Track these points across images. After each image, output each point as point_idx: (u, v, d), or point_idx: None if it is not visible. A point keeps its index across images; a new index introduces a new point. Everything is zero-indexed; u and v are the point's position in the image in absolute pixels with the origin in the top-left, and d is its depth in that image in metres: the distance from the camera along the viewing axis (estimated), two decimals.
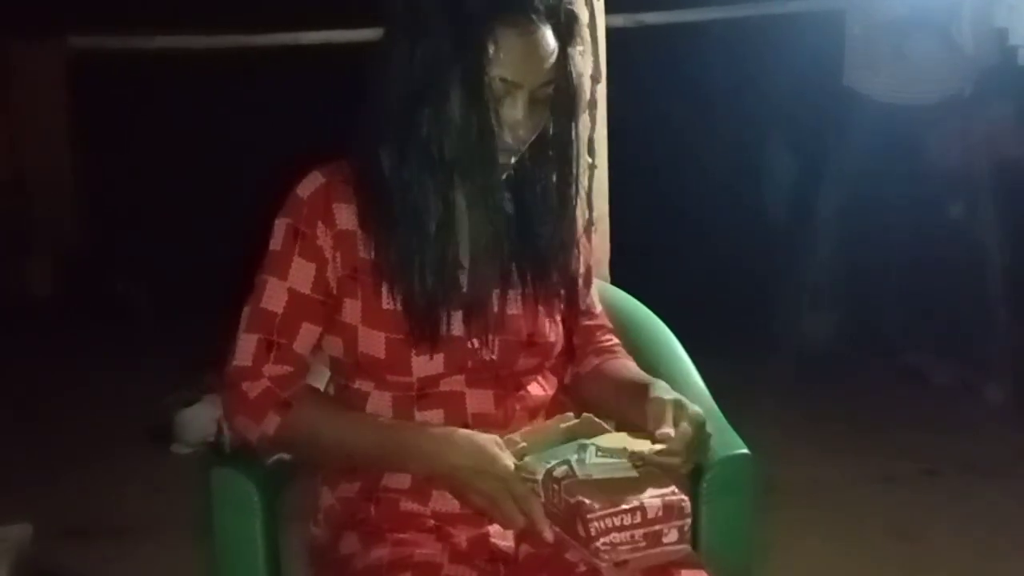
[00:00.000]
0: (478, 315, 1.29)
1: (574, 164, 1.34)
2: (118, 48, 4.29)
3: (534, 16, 1.24)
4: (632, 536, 1.10)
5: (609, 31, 2.03)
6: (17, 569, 2.01)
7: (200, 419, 3.30)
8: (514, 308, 1.33)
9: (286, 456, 1.40)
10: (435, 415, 1.29)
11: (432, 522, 1.28)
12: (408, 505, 1.29)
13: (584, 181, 1.43)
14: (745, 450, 1.40)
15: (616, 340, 1.49)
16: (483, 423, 1.28)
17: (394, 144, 1.27)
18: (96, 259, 4.63)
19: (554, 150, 1.32)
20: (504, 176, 1.31)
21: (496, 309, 1.31)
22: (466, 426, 1.27)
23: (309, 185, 1.31)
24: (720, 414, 1.49)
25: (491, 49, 1.22)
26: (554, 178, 1.33)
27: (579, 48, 1.31)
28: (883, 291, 3.89)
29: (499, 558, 1.26)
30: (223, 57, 4.23)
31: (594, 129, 2.00)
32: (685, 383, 1.56)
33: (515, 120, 1.26)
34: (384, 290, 1.27)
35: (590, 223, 1.49)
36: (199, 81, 4.59)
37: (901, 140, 3.54)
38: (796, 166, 4.68)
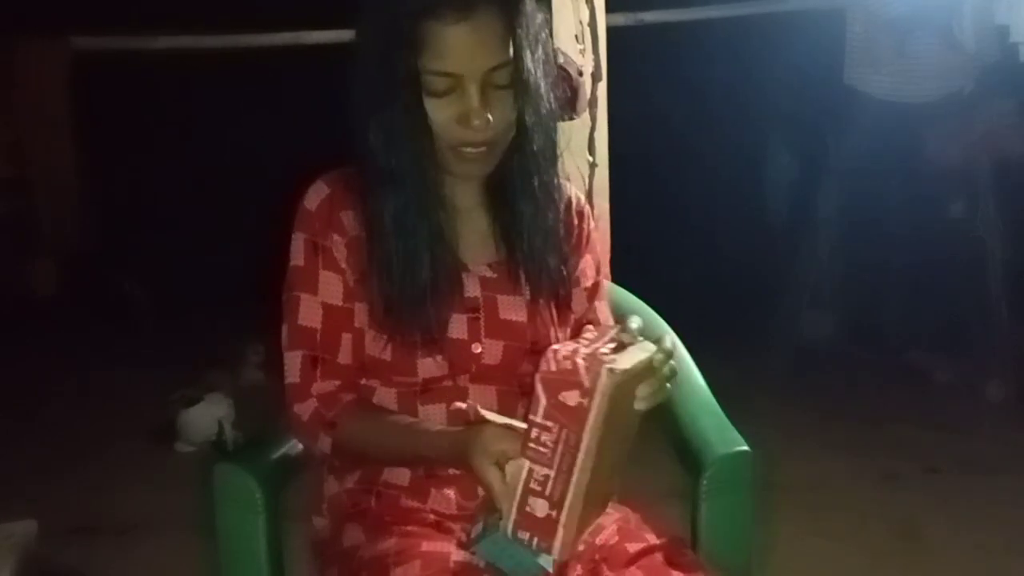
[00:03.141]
0: (482, 319, 1.30)
1: (550, 155, 1.31)
2: (122, 48, 4.29)
3: (461, 4, 1.19)
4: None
5: (609, 30, 2.03)
6: (22, 566, 2.02)
7: (203, 418, 3.32)
8: (519, 315, 1.32)
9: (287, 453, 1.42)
10: (437, 409, 1.29)
11: (432, 517, 1.29)
12: (408, 502, 1.30)
13: (562, 171, 1.37)
14: (745, 447, 1.40)
15: None
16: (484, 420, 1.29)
17: (360, 150, 1.27)
18: (100, 259, 4.64)
19: (532, 139, 1.28)
20: (481, 174, 1.29)
21: (501, 315, 1.31)
22: (467, 422, 1.27)
23: (315, 197, 1.32)
24: (720, 411, 1.50)
25: (423, 44, 1.20)
26: (537, 171, 1.30)
27: (532, 27, 1.25)
28: (884, 289, 3.90)
29: None
30: (227, 57, 4.22)
31: (595, 127, 2.01)
32: (686, 380, 1.57)
33: (469, 110, 1.22)
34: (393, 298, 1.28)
35: (586, 234, 1.42)
36: (203, 81, 4.59)
37: (902, 138, 3.54)
38: (797, 164, 4.68)
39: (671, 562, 1.23)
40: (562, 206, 1.36)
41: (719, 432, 1.44)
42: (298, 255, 1.31)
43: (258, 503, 1.37)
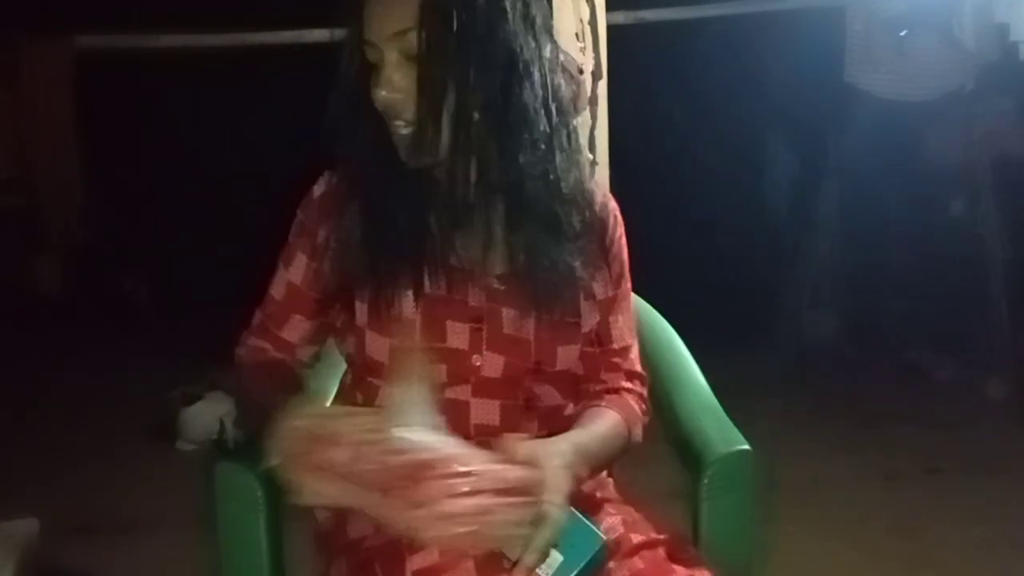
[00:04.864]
0: (484, 330, 1.24)
1: (542, 155, 1.20)
2: (125, 47, 4.30)
3: None
4: None
5: (610, 28, 2.03)
6: (24, 564, 2.02)
7: (204, 416, 3.32)
8: (523, 332, 1.25)
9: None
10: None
11: None
12: None
13: (572, 178, 1.25)
14: (746, 446, 1.40)
15: (629, 385, 1.36)
16: (486, 434, 1.25)
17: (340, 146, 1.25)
18: (102, 257, 4.65)
19: (451, 128, 1.17)
20: (418, 157, 1.19)
21: (504, 329, 1.25)
22: (467, 436, 1.23)
23: (322, 184, 1.32)
24: (721, 411, 1.49)
25: (359, 16, 1.17)
26: (526, 174, 1.20)
27: None
28: (884, 288, 3.90)
29: None
30: (230, 56, 4.23)
31: (595, 125, 2.01)
32: (686, 379, 1.57)
33: (378, 80, 1.16)
34: (397, 298, 1.24)
35: (608, 243, 1.33)
36: (205, 80, 4.59)
37: (902, 136, 3.54)
38: (797, 162, 4.68)
39: (673, 557, 1.23)
40: (578, 218, 1.26)
41: (720, 431, 1.44)
42: (292, 231, 1.33)
43: (259, 501, 1.37)
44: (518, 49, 1.17)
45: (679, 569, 1.21)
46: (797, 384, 3.62)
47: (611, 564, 1.18)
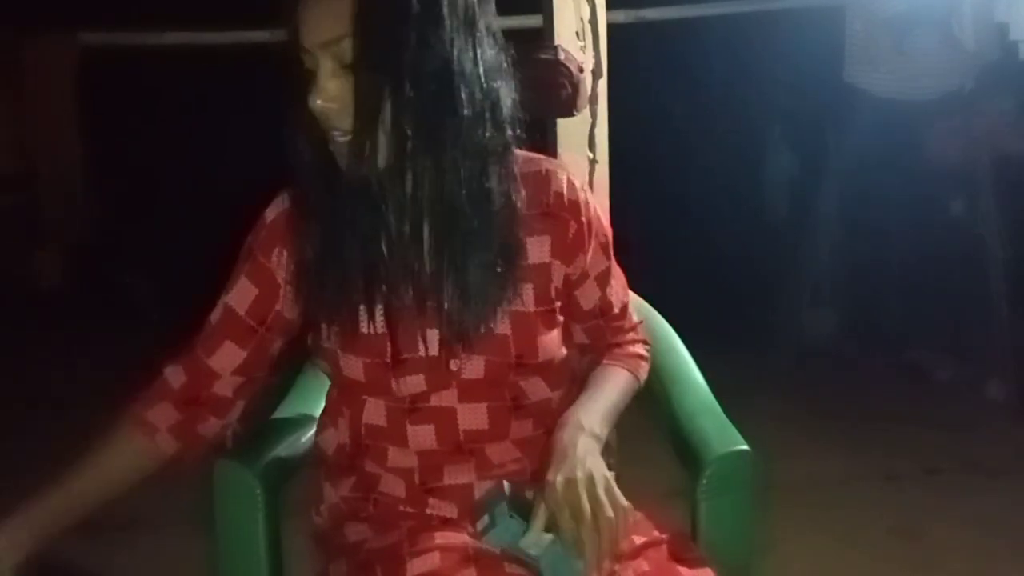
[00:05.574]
0: (454, 334, 1.20)
1: (471, 154, 1.16)
2: (128, 44, 4.30)
3: None
4: None
5: (610, 27, 2.03)
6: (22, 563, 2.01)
7: None
8: (500, 327, 1.22)
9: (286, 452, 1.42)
10: (426, 430, 1.25)
11: (437, 520, 1.26)
12: (407, 509, 1.27)
13: (498, 173, 1.20)
14: (745, 446, 1.39)
15: (634, 336, 1.42)
16: (476, 439, 1.25)
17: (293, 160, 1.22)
18: (104, 252, 4.65)
19: (417, 135, 1.13)
20: (359, 166, 1.15)
21: (481, 328, 1.21)
22: (458, 443, 1.24)
23: (274, 208, 1.28)
24: (720, 411, 1.49)
25: (296, 23, 1.13)
26: (455, 173, 1.16)
27: (395, 3, 1.11)
28: (884, 287, 3.89)
29: None
30: (234, 53, 4.23)
31: (595, 124, 2.01)
32: (686, 379, 1.57)
33: (312, 89, 1.13)
34: (361, 315, 1.21)
35: (587, 225, 1.30)
36: (208, 77, 4.59)
37: (901, 136, 3.54)
38: (797, 162, 4.68)
39: (676, 557, 1.23)
40: (510, 206, 1.20)
41: (719, 431, 1.44)
42: (240, 255, 1.30)
43: (258, 500, 1.37)
44: (455, 57, 1.13)
45: (684, 570, 1.21)
46: (797, 384, 3.62)
47: (616, 566, 1.17)
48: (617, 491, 1.15)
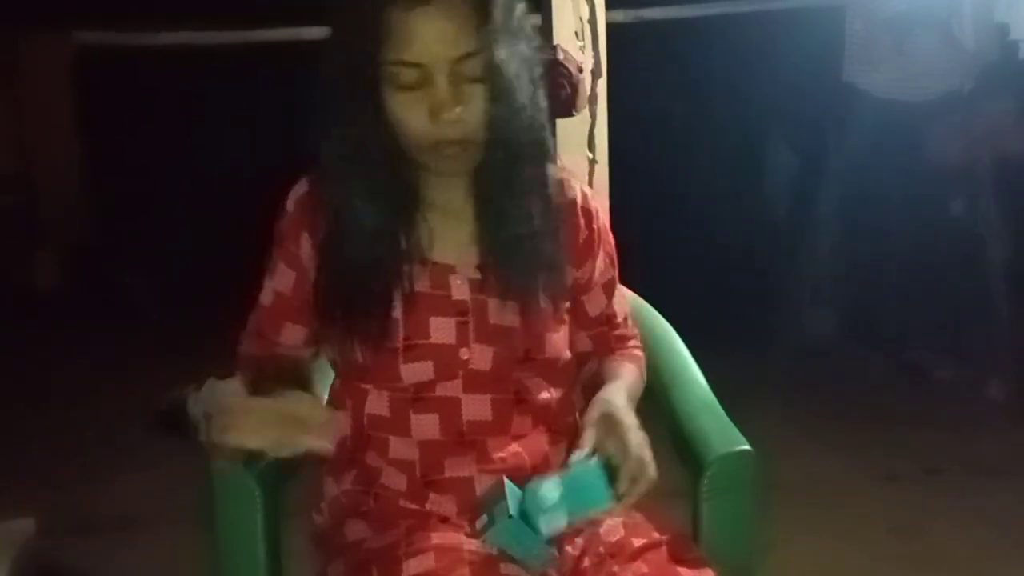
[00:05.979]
0: (471, 323, 1.26)
1: (535, 152, 1.24)
2: (124, 44, 4.31)
3: None
4: None
5: (609, 27, 2.03)
6: (21, 564, 2.02)
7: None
8: (510, 320, 1.27)
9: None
10: (430, 419, 1.27)
11: (435, 519, 1.27)
12: (407, 504, 1.28)
13: (554, 171, 1.31)
14: (746, 447, 1.39)
15: (635, 343, 1.47)
16: (479, 431, 1.27)
17: (326, 152, 1.24)
18: (102, 253, 4.65)
19: (509, 136, 1.20)
20: (463, 171, 1.24)
21: (491, 320, 1.27)
22: (460, 433, 1.26)
23: (295, 193, 1.32)
24: (721, 410, 1.49)
25: (388, 34, 1.14)
26: (518, 170, 1.23)
27: (506, 15, 1.18)
28: (884, 287, 3.89)
29: None
30: (231, 53, 4.23)
31: (594, 124, 2.01)
32: (686, 379, 1.56)
33: (438, 104, 1.15)
34: (373, 297, 1.26)
35: (597, 233, 1.37)
36: (205, 77, 4.59)
37: (901, 136, 3.53)
38: (796, 162, 4.68)
39: (676, 558, 1.23)
40: (554, 206, 1.29)
41: (720, 431, 1.44)
42: (274, 241, 1.34)
43: (257, 500, 1.37)
44: (537, 63, 1.23)
45: (684, 571, 1.21)
46: (797, 383, 3.61)
47: (615, 568, 1.19)
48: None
